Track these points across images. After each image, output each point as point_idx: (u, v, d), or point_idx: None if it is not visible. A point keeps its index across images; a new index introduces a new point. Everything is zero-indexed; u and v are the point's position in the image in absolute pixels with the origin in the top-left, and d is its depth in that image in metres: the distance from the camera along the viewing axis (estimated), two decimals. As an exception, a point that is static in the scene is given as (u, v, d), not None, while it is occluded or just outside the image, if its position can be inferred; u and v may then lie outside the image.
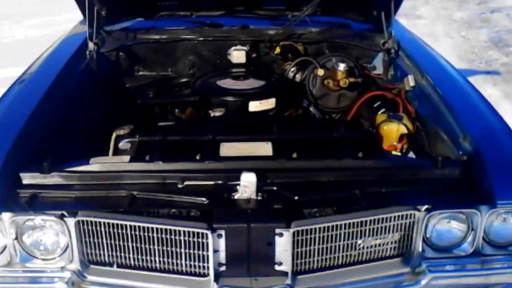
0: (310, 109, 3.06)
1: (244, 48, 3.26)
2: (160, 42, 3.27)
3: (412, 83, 2.84)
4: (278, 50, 3.30)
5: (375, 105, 2.92)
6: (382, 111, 2.77)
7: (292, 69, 3.24)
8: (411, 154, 2.51)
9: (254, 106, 2.75)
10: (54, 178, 1.99)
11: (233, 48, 3.27)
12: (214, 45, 3.31)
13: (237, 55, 3.26)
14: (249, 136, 2.26)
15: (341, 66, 3.08)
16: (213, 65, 3.34)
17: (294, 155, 2.12)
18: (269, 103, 2.78)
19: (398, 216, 1.93)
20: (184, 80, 3.24)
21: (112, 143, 2.32)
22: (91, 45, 2.93)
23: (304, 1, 3.22)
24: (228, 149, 2.18)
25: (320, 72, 3.12)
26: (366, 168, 2.09)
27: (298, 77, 3.26)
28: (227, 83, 2.89)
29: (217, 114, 2.67)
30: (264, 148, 2.18)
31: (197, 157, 2.09)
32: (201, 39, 3.30)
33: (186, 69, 3.34)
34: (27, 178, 1.99)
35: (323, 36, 3.35)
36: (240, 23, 3.40)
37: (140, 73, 3.34)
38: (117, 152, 2.28)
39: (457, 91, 2.60)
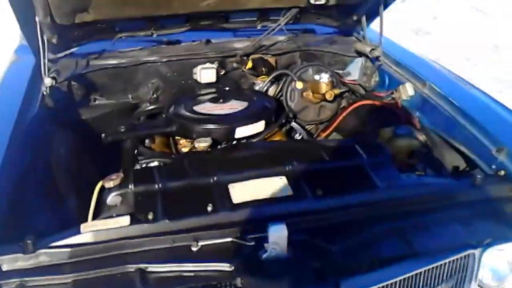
0: (292, 125, 2.81)
1: (213, 65, 2.96)
2: (117, 67, 2.90)
3: (410, 92, 2.64)
4: (250, 64, 3.01)
5: (367, 116, 2.71)
6: (383, 123, 2.56)
7: (266, 84, 2.97)
8: (429, 172, 2.29)
9: (242, 132, 2.45)
10: (40, 258, 1.61)
11: (200, 67, 2.96)
12: (178, 65, 2.98)
13: (206, 74, 2.94)
14: (258, 171, 1.96)
15: (324, 77, 2.83)
16: (179, 87, 3.01)
17: (319, 192, 1.84)
18: (257, 127, 2.49)
19: (454, 259, 1.68)
20: (151, 107, 2.89)
21: (95, 197, 1.95)
22: (47, 81, 2.52)
23: (276, 11, 2.95)
24: (239, 191, 1.87)
25: (299, 85, 2.87)
26: (403, 199, 1.85)
27: (271, 91, 2.99)
28: (206, 108, 2.57)
29: (203, 145, 2.34)
30: (280, 186, 1.89)
31: (209, 208, 1.77)
32: (164, 60, 2.95)
33: (149, 94, 2.99)
34: (6, 263, 1.59)
35: (294, 45, 3.09)
36: (205, 38, 3.09)
37: (97, 102, 2.95)
38: (103, 208, 1.91)
39: (471, 98, 2.41)
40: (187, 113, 2.52)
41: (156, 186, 1.87)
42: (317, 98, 2.86)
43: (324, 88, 2.79)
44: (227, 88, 2.85)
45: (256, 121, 2.47)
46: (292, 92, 2.92)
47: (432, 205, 1.83)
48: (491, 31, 7.95)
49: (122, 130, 2.45)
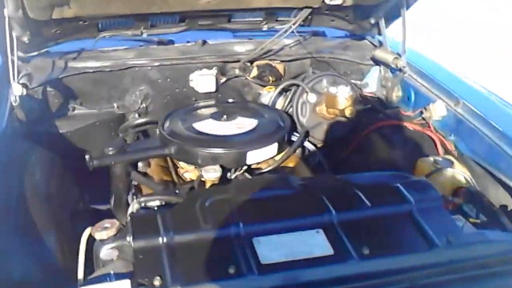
0: (305, 144, 2.44)
1: (212, 72, 2.56)
2: (100, 71, 2.47)
3: (442, 112, 2.29)
4: (255, 72, 2.62)
5: (394, 138, 2.36)
6: (414, 150, 2.21)
7: (274, 95, 2.59)
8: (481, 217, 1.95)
9: (254, 157, 2.07)
10: None
11: (197, 73, 2.55)
12: (171, 70, 2.57)
13: (204, 82, 2.55)
14: (288, 221, 1.58)
15: (344, 91, 2.46)
16: (172, 97, 2.61)
17: (366, 251, 1.48)
18: (270, 151, 2.11)
19: None
20: (141, 120, 2.48)
21: (83, 248, 1.55)
22: (17, 88, 2.08)
23: (285, 11, 2.57)
24: (267, 248, 1.48)
25: (312, 97, 2.50)
26: (466, 261, 1.50)
27: (279, 103, 2.61)
28: (209, 127, 2.17)
29: (212, 176, 1.95)
30: (318, 241, 1.52)
31: (231, 271, 1.39)
32: (155, 64, 2.54)
33: (137, 103, 2.58)
34: None
35: (304, 50, 2.71)
36: (203, 39, 2.69)
37: (76, 111, 2.52)
38: (97, 262, 1.52)
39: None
40: (187, 132, 2.12)
41: (161, 239, 1.48)
42: (333, 114, 2.50)
43: (343, 103, 2.42)
44: (230, 100, 2.45)
45: (269, 144, 2.09)
46: (303, 105, 2.55)
47: (499, 269, 1.49)
48: (506, 28, 7.66)
49: (110, 153, 2.03)
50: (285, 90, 2.61)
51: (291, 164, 2.26)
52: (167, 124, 2.20)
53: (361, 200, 1.66)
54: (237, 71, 2.62)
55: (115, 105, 2.57)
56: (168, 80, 2.58)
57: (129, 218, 1.62)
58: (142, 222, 1.59)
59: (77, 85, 2.48)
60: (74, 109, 2.51)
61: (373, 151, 2.44)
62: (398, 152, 2.29)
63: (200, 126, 2.17)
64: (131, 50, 2.57)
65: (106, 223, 1.53)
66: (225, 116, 2.23)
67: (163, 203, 1.78)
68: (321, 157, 2.36)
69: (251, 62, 2.65)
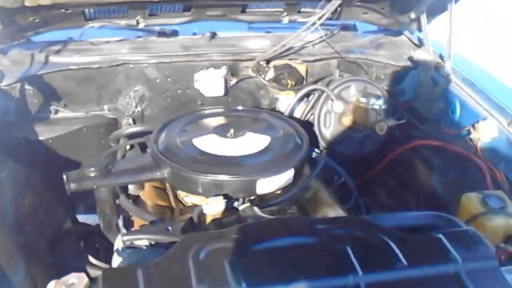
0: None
1: (221, 72, 2.17)
2: (87, 68, 2.10)
3: (494, 133, 1.89)
4: (272, 73, 2.22)
5: (433, 162, 1.96)
6: (458, 180, 1.81)
7: (293, 101, 2.20)
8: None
9: (265, 186, 1.68)
10: None
11: (203, 72, 2.16)
12: (174, 68, 2.19)
13: (211, 83, 2.16)
14: (301, 282, 1.21)
15: (374, 103, 2.06)
16: (174, 99, 2.23)
17: None
18: (285, 179, 1.72)
19: None
20: (135, 129, 2.09)
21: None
22: None
23: (310, 0, 2.16)
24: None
25: (338, 106, 2.11)
26: None
27: (298, 110, 2.22)
28: (212, 145, 1.78)
29: (214, 211, 1.57)
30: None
31: None
32: (153, 60, 2.15)
33: (132, 106, 2.20)
34: None
35: (331, 49, 2.30)
36: (211, 32, 2.31)
37: (60, 115, 2.16)
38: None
39: None
40: (185, 151, 1.74)
41: None
42: (361, 127, 2.11)
43: (373, 116, 2.03)
44: (239, 108, 2.06)
45: (284, 170, 1.71)
46: (327, 115, 2.16)
47: None
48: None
49: (91, 174, 1.66)
50: (306, 95, 2.22)
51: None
52: (162, 137, 1.82)
53: (395, 256, 1.28)
54: (250, 72, 2.22)
55: (105, 107, 2.19)
56: (169, 79, 2.20)
57: (101, 275, 1.25)
58: (117, 282, 1.22)
59: (61, 84, 2.11)
60: (57, 111, 2.15)
61: (407, 173, 2.04)
62: (437, 179, 1.90)
63: (201, 143, 1.78)
64: (125, 42, 2.19)
65: (73, 278, 1.17)
66: (231, 131, 1.84)
67: (152, 243, 1.41)
68: (346, 176, 1.97)
69: (268, 61, 2.24)
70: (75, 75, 2.10)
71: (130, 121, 2.20)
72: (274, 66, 2.24)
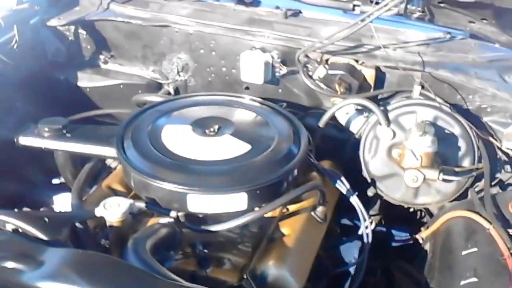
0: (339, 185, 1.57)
1: (265, 57, 1.81)
2: (134, 23, 1.95)
3: None
4: (322, 71, 1.78)
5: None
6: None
7: (340, 111, 1.74)
8: None
9: (198, 205, 1.35)
10: None
11: (248, 53, 1.84)
12: (218, 41, 1.91)
13: (250, 68, 1.83)
14: None
15: (422, 144, 1.51)
16: (218, 77, 1.96)
17: None
18: (228, 201, 1.36)
19: None
20: (156, 98, 1.88)
21: None
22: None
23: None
24: None
25: (386, 134, 1.60)
26: None
27: (355, 124, 1.75)
28: (176, 138, 1.49)
29: (111, 215, 1.30)
30: None
31: None
32: (197, 28, 1.91)
33: (174, 73, 2.00)
34: None
35: (420, 58, 1.74)
36: (292, 9, 2.00)
37: (109, 65, 2.07)
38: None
39: None
40: (143, 134, 1.50)
41: None
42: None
43: (414, 163, 1.50)
44: (257, 99, 1.70)
45: (229, 191, 1.35)
46: (374, 141, 1.66)
47: None
48: None
49: (45, 134, 1.55)
50: (360, 111, 1.74)
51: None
52: (142, 113, 1.61)
53: None
54: (306, 64, 1.81)
55: (150, 68, 2.03)
56: (213, 53, 1.93)
57: None
58: None
59: (111, 34, 2.02)
60: (106, 62, 2.08)
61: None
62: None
63: (168, 132, 1.52)
64: (186, 3, 1.98)
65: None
66: (215, 128, 1.52)
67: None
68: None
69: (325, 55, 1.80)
70: (123, 28, 1.99)
71: (170, 88, 2.00)
72: (331, 63, 1.79)
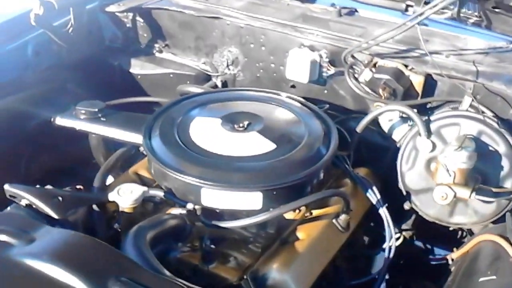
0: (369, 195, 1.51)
1: (313, 56, 1.76)
2: (188, 13, 1.97)
3: None
4: (368, 74, 1.70)
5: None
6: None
7: (383, 118, 1.66)
8: None
9: (211, 199, 1.34)
10: None
11: (296, 50, 1.79)
12: (268, 37, 1.88)
13: (296, 65, 1.78)
14: None
15: (456, 160, 1.41)
16: (266, 72, 1.93)
17: None
18: (242, 199, 1.33)
19: None
20: (198, 90, 1.89)
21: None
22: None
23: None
24: None
25: (425, 145, 1.51)
26: None
27: (399, 132, 1.66)
28: (203, 131, 1.49)
29: (125, 201, 1.32)
30: None
31: None
32: (248, 22, 1.89)
33: (223, 66, 2.00)
34: None
35: (475, 68, 1.62)
36: (347, 8, 1.95)
37: (164, 54, 2.10)
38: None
39: None
40: (171, 126, 1.51)
41: None
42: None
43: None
44: (284, 94, 1.66)
45: (243, 189, 1.32)
46: (413, 152, 1.57)
47: None
48: None
49: (82, 116, 1.61)
50: (404, 120, 1.65)
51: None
52: (174, 105, 1.62)
53: None
54: (353, 66, 1.74)
55: (202, 60, 2.04)
56: (263, 48, 1.90)
57: None
58: None
59: (166, 23, 2.04)
60: (161, 51, 2.10)
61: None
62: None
63: (197, 125, 1.52)
64: None
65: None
66: (245, 124, 1.50)
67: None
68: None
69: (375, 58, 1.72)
70: (178, 18, 2.00)
71: (218, 81, 2.00)
72: (378, 66, 1.70)
